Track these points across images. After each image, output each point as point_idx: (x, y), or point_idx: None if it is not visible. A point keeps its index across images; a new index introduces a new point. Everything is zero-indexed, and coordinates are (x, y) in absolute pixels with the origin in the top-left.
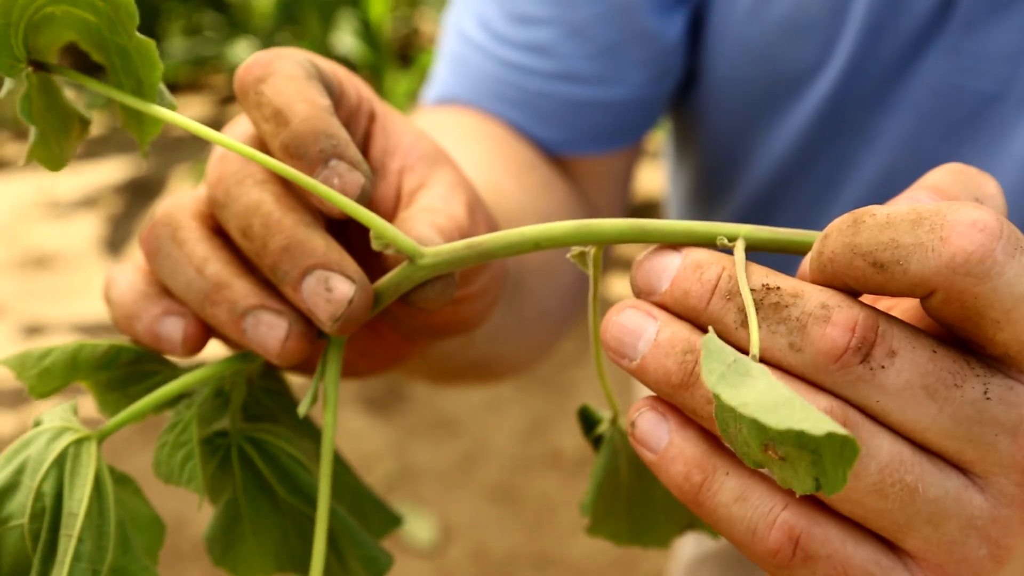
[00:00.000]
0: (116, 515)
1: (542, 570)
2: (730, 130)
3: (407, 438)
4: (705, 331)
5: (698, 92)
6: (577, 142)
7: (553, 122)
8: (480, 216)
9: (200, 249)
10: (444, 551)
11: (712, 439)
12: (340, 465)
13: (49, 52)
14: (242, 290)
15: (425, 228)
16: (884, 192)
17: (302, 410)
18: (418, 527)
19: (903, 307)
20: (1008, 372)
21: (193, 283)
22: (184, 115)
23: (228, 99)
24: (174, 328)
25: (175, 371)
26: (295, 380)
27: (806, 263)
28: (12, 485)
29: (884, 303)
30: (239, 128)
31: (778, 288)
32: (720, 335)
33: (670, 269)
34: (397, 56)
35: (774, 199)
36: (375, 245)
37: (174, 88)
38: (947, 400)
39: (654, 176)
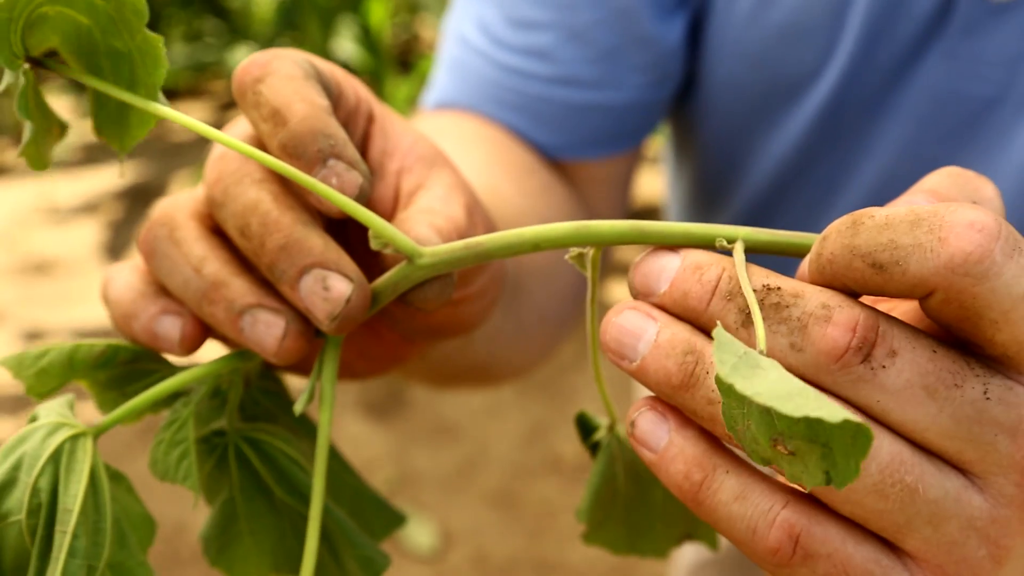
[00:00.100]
0: (112, 512)
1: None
2: (729, 134)
3: (407, 443)
4: (705, 332)
5: (697, 96)
6: (577, 146)
7: (553, 126)
8: (478, 218)
9: (198, 248)
10: (444, 557)
11: (712, 438)
12: (340, 465)
13: (36, 53)
14: (240, 289)
15: (423, 228)
16: (883, 197)
17: (298, 408)
18: (418, 532)
19: (903, 309)
20: (1007, 373)
21: (191, 282)
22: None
23: (228, 105)
24: (172, 327)
25: (173, 370)
26: (293, 381)
27: (805, 264)
28: (9, 481)
29: (884, 305)
30: (238, 129)
31: (778, 288)
32: None
33: (669, 270)
34: (397, 62)
35: (773, 204)
36: (373, 244)
37: (174, 94)
38: (947, 400)
39: (654, 181)
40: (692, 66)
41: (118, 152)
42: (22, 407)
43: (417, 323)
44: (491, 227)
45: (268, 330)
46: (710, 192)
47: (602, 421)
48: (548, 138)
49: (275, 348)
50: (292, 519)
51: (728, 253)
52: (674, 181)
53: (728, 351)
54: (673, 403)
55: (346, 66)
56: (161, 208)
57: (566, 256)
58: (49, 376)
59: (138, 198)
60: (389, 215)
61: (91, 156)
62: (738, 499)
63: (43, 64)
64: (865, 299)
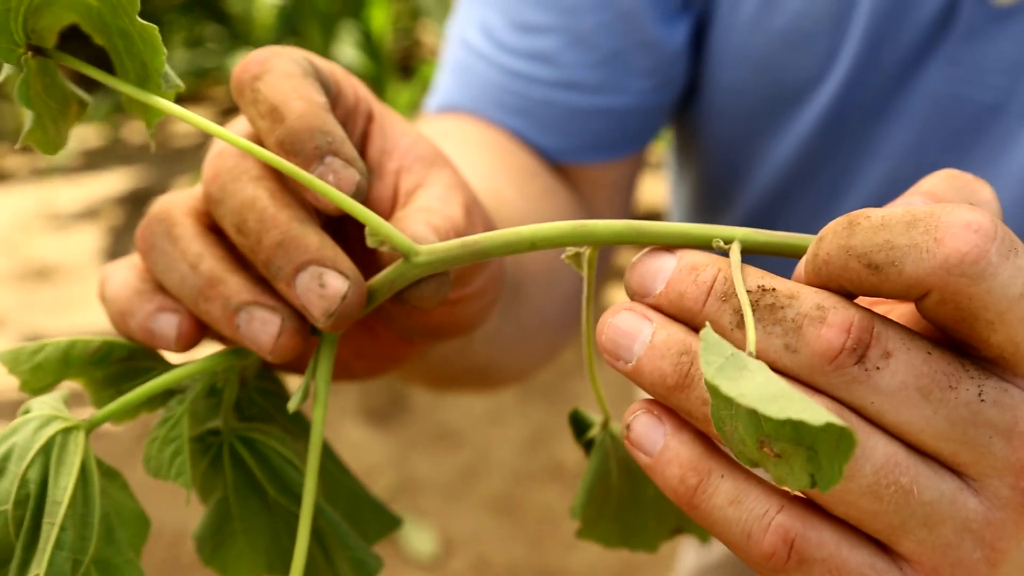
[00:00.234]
0: (102, 506)
1: None
2: (731, 140)
3: (408, 450)
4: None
5: (700, 101)
6: (579, 150)
7: (556, 130)
8: (477, 218)
9: (195, 245)
10: (445, 564)
11: (707, 442)
12: (336, 467)
13: (49, 34)
14: (236, 286)
15: (420, 226)
16: (886, 202)
17: (292, 406)
18: (419, 539)
19: (899, 311)
20: (1003, 374)
21: (187, 279)
22: (186, 124)
23: (230, 110)
24: (168, 324)
25: (169, 368)
26: (292, 381)
27: (801, 265)
28: None
29: (882, 307)
30: (237, 127)
31: (774, 290)
32: None
33: (665, 271)
34: (399, 68)
35: (775, 209)
36: (370, 242)
37: (176, 100)
38: (942, 402)
39: (656, 187)
40: (695, 71)
41: (146, 127)
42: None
43: (414, 322)
44: (490, 226)
45: (264, 327)
46: (712, 197)
47: (596, 418)
48: (551, 142)
49: (271, 345)
50: (286, 519)
51: (725, 254)
52: (676, 186)
53: (715, 352)
54: (668, 404)
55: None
56: (159, 205)
57: (562, 256)
58: (44, 372)
59: (139, 204)
60: (388, 214)
61: (92, 162)
62: (733, 503)
63: (46, 54)
64: (863, 301)
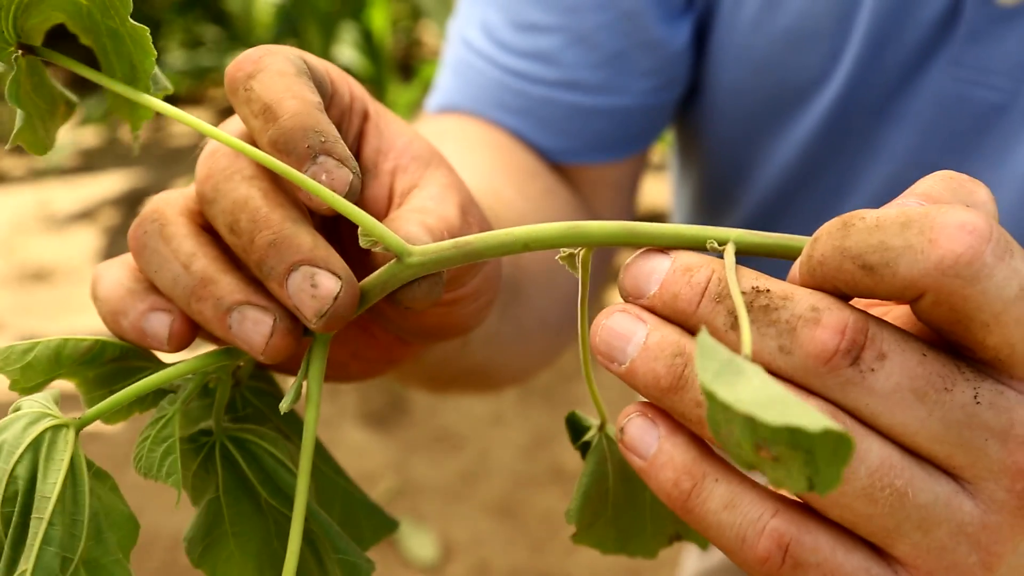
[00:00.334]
0: (91, 506)
1: None
2: (734, 141)
3: (408, 453)
4: (694, 335)
5: (702, 102)
6: (581, 151)
7: (556, 130)
8: (473, 218)
9: (187, 245)
10: (445, 568)
11: (702, 445)
12: (331, 468)
13: (37, 34)
14: (228, 286)
15: (414, 227)
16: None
17: (284, 406)
18: (419, 543)
19: (895, 314)
20: (998, 377)
21: (179, 279)
22: (183, 125)
23: (228, 111)
24: (160, 324)
25: (162, 367)
26: (286, 382)
27: (796, 267)
28: None
29: (878, 309)
30: (231, 127)
31: (768, 291)
32: None
33: (659, 272)
34: (399, 68)
35: (778, 210)
36: (363, 242)
37: (174, 100)
38: (937, 404)
39: (656, 187)
40: (697, 71)
41: (131, 128)
42: None
43: (410, 323)
44: (487, 228)
45: (256, 327)
46: (714, 199)
47: (593, 421)
48: (551, 142)
49: (262, 346)
50: (277, 522)
51: (720, 255)
52: (679, 187)
53: (711, 357)
54: (662, 406)
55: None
56: (151, 204)
57: (556, 257)
58: (35, 371)
59: (136, 205)
60: (383, 214)
61: (89, 162)
62: (727, 507)
63: (35, 52)
64: (860, 303)
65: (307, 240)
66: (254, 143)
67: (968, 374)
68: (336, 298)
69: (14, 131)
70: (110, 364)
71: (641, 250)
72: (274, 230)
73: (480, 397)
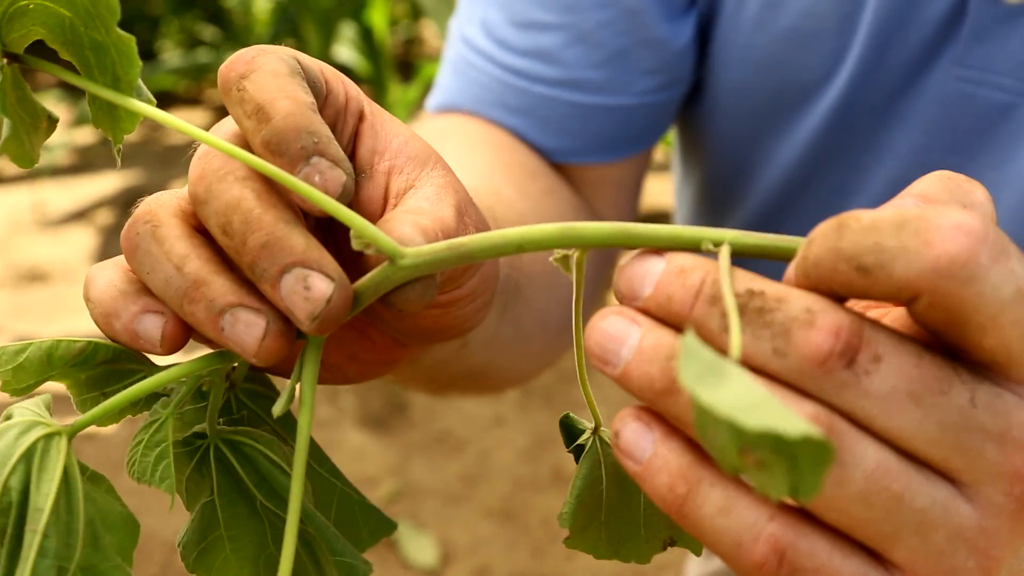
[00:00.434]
0: (86, 512)
1: None
2: (737, 140)
3: (408, 455)
4: None
5: (704, 101)
6: (582, 151)
7: (557, 130)
8: (470, 219)
9: (180, 247)
10: (445, 572)
11: (697, 450)
12: (327, 470)
13: (18, 47)
14: (220, 288)
15: (407, 228)
16: None
17: (277, 410)
18: (418, 547)
19: (892, 316)
20: (996, 379)
21: (172, 281)
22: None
23: (226, 110)
24: (152, 326)
25: (155, 371)
26: (283, 384)
27: (791, 268)
28: None
29: (876, 311)
30: (224, 127)
31: (762, 293)
32: (704, 340)
33: (653, 274)
34: (399, 68)
35: (781, 211)
36: (355, 244)
37: (172, 99)
38: (933, 407)
39: (658, 187)
40: (700, 70)
41: (112, 143)
42: None
43: (406, 325)
44: (484, 229)
45: (248, 330)
46: (717, 199)
47: (587, 424)
48: (552, 142)
49: (255, 348)
50: (273, 524)
51: (715, 257)
52: (681, 187)
53: (694, 359)
54: (657, 409)
55: (347, 72)
56: (144, 205)
57: (550, 258)
58: (26, 373)
59: (132, 204)
60: (378, 215)
61: (84, 163)
62: (723, 512)
63: (22, 60)
64: (858, 305)
65: (300, 242)
66: (247, 144)
67: (965, 376)
68: (329, 300)
69: (2, 140)
70: (102, 366)
71: (636, 252)
72: (267, 232)
73: (480, 399)
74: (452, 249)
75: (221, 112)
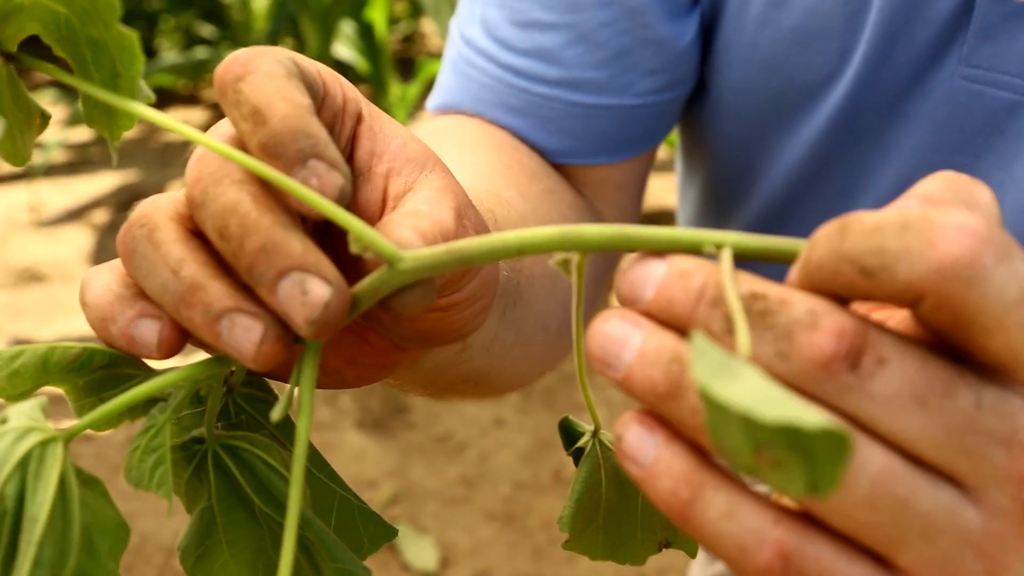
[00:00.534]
0: (81, 519)
1: None
2: (741, 140)
3: (408, 458)
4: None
5: (708, 101)
6: (583, 152)
7: (558, 131)
8: (470, 222)
9: (176, 251)
10: (445, 575)
11: (701, 454)
12: (326, 475)
13: (11, 44)
14: (217, 292)
15: (406, 232)
16: None
17: (275, 415)
18: (419, 550)
19: (896, 319)
20: (1001, 382)
21: (168, 285)
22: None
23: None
24: (149, 331)
25: (152, 375)
26: (281, 389)
27: (794, 271)
28: None
29: (880, 314)
30: (220, 129)
31: (765, 295)
32: None
33: (655, 277)
34: (398, 65)
35: (786, 212)
36: (353, 248)
37: (171, 98)
38: (938, 410)
39: (661, 186)
40: (703, 70)
41: (109, 141)
42: None
43: (404, 329)
44: (484, 231)
45: (246, 335)
46: (721, 199)
47: (586, 427)
48: (553, 143)
49: (253, 353)
50: (272, 530)
51: (716, 259)
52: (684, 188)
53: (706, 357)
54: (660, 413)
55: (346, 69)
56: (140, 209)
57: (550, 262)
58: (22, 379)
59: (128, 204)
60: (377, 218)
61: (80, 162)
62: (727, 517)
63: (16, 59)
64: (862, 307)
65: (297, 246)
66: (244, 147)
67: (970, 379)
68: (327, 305)
69: None
70: (99, 371)
71: (637, 255)
72: (264, 235)
73: (480, 402)
74: (451, 253)
75: (218, 110)
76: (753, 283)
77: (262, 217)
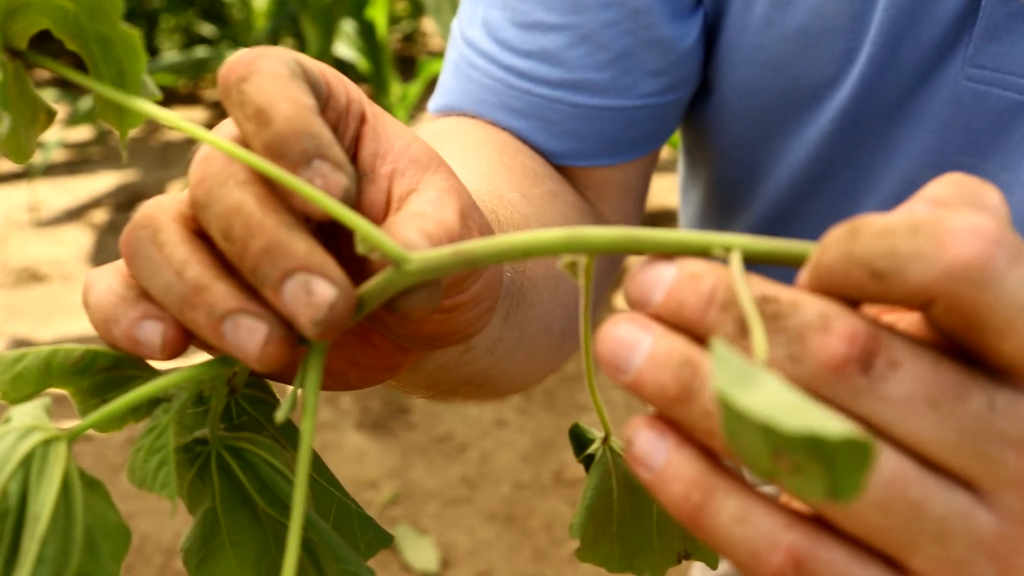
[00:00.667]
0: (84, 519)
1: None
2: (745, 141)
3: (408, 458)
4: (702, 344)
5: (711, 102)
6: (586, 153)
7: (561, 132)
8: (474, 223)
9: (180, 251)
10: None
11: (712, 458)
12: (326, 479)
13: (21, 40)
14: (221, 293)
15: (412, 233)
16: None
17: (279, 416)
18: (419, 551)
19: (908, 320)
20: (1014, 384)
21: (172, 286)
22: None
23: (224, 112)
24: (153, 332)
25: (155, 376)
26: (284, 390)
27: (804, 274)
28: None
29: (890, 316)
30: (224, 130)
31: (776, 298)
32: None
33: (664, 280)
34: (399, 64)
35: (791, 213)
36: (359, 249)
37: (172, 98)
38: (951, 413)
39: (663, 185)
40: (706, 71)
41: (119, 138)
42: None
43: (408, 330)
44: (487, 232)
45: (250, 336)
46: (725, 201)
47: (596, 434)
48: (556, 144)
49: (257, 354)
50: (275, 531)
51: (725, 262)
52: (687, 189)
53: (726, 364)
54: (670, 416)
55: (347, 69)
56: (144, 210)
57: (558, 264)
58: (25, 382)
59: (130, 203)
60: (380, 219)
61: (80, 161)
62: (739, 521)
63: (23, 57)
64: (872, 311)
65: (302, 246)
66: (248, 147)
67: (983, 382)
68: (332, 305)
69: (1, 136)
70: (103, 373)
71: (646, 258)
72: (268, 236)
73: (482, 403)
74: (458, 254)
75: (219, 109)
76: (764, 286)
77: (266, 218)
